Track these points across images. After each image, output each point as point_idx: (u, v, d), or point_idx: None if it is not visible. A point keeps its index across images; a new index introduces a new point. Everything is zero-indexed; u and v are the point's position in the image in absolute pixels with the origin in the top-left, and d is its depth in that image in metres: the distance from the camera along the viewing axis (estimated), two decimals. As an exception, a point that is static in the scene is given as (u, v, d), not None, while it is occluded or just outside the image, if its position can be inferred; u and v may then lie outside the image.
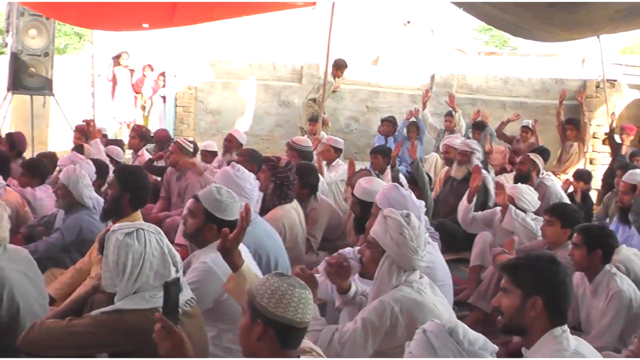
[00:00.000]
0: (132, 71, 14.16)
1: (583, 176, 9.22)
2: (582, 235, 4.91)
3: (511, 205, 6.69)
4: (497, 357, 2.68)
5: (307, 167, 7.18)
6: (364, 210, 5.65)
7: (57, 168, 7.29)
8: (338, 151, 9.56)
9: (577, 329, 4.95)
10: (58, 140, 12.64)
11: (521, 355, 4.71)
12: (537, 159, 8.48)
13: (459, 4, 10.41)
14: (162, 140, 10.39)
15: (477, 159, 8.71)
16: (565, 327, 3.17)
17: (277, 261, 5.31)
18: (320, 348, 3.29)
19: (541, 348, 3.11)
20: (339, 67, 12.46)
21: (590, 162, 12.67)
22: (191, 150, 8.50)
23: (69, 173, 5.95)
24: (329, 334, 3.78)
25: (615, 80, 13.38)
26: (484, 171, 8.30)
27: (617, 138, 11.52)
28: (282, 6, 9.81)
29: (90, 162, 6.89)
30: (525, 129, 11.61)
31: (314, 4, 9.17)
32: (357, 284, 4.23)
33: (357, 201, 5.97)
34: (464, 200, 7.38)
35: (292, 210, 6.23)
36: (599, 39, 11.86)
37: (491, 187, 8.34)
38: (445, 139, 9.60)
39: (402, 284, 3.86)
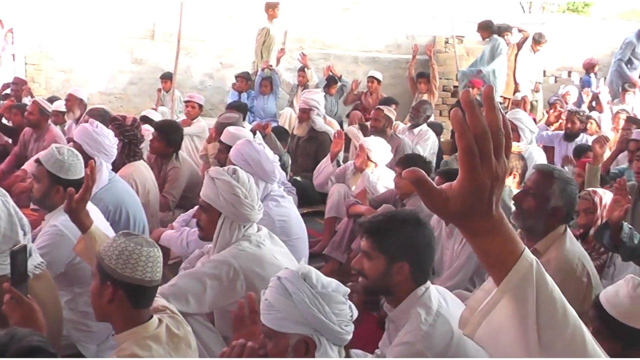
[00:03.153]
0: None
1: (435, 127, 9.48)
2: (443, 179, 4.93)
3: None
4: (350, 299, 2.78)
5: (172, 126, 7.11)
6: None
7: None
8: (201, 107, 9.55)
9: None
10: None
11: (377, 304, 4.91)
12: (391, 112, 8.48)
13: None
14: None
15: (317, 115, 8.62)
16: (428, 283, 3.20)
17: (136, 218, 5.27)
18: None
19: (407, 309, 3.13)
20: (273, 7, 12.33)
21: (440, 114, 13.08)
22: (49, 110, 8.25)
23: None
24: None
25: (463, 37, 13.80)
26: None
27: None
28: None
29: None
30: (371, 79, 11.80)
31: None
32: None
33: (224, 148, 6.00)
34: (327, 165, 7.35)
35: (142, 167, 6.17)
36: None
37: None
38: (304, 93, 9.44)
39: (240, 239, 3.86)
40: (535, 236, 3.95)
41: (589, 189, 4.90)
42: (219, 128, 6.99)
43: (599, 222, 4.63)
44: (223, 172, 3.97)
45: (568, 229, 3.99)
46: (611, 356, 2.93)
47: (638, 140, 6.97)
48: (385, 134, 8.06)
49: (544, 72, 13.88)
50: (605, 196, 4.77)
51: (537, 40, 12.90)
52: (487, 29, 12.27)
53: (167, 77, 11.70)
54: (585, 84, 13.01)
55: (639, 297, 2.95)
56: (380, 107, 8.54)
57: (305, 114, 8.63)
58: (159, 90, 12.13)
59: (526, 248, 1.26)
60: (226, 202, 3.84)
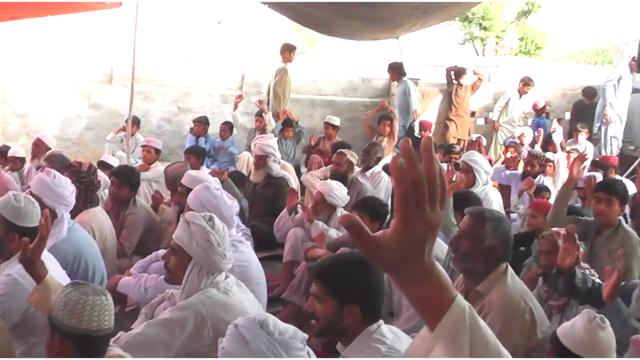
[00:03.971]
0: None
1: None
2: None
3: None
4: (309, 346, 2.79)
5: (129, 171, 7.09)
6: None
7: None
8: (158, 152, 9.54)
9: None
10: None
11: (333, 347, 4.90)
12: (353, 157, 8.56)
13: (264, 2, 10.63)
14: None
15: (273, 162, 8.61)
16: (380, 321, 3.21)
17: (95, 268, 5.20)
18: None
19: (359, 346, 3.14)
20: (290, 49, 12.43)
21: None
22: None
23: None
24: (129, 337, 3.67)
25: (418, 79, 13.98)
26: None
27: (417, 134, 12.15)
28: (88, 7, 9.54)
29: None
30: (327, 125, 11.87)
31: (120, 4, 8.99)
32: None
33: (184, 190, 5.99)
34: (285, 220, 7.30)
35: (99, 214, 6.13)
36: (398, 40, 12.51)
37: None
38: (257, 138, 9.52)
39: (208, 286, 3.86)
40: (476, 278, 4.03)
41: (553, 229, 4.94)
42: (168, 178, 7.15)
43: (561, 264, 4.68)
44: (199, 217, 3.98)
45: (509, 268, 4.08)
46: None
47: (591, 180, 7.07)
48: (347, 178, 8.13)
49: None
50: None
51: (527, 83, 13.22)
52: (396, 70, 12.50)
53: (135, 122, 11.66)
54: (536, 125, 13.21)
55: (593, 330, 3.05)
56: (343, 151, 8.60)
57: (261, 161, 8.63)
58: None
59: (459, 294, 1.29)
60: (199, 247, 3.84)
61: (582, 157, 6.45)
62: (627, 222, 7.00)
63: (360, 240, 1.25)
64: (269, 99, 12.48)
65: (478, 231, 4.02)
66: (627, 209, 7.14)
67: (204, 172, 6.95)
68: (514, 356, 3.86)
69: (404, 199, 1.22)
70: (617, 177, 7.74)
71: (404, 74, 12.49)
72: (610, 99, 12.55)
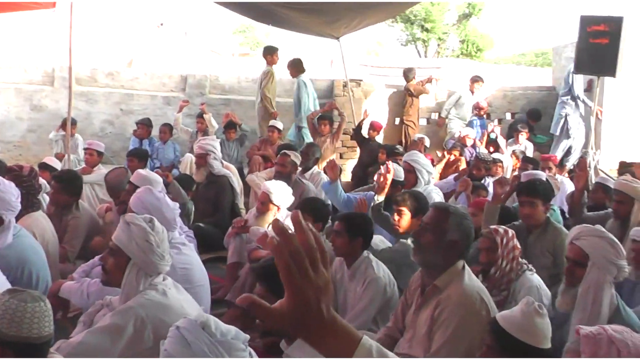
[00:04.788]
0: None
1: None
2: (344, 224, 5.14)
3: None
4: (252, 347, 2.83)
5: (71, 176, 7.03)
6: None
7: None
8: (100, 155, 9.47)
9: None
10: None
11: (277, 347, 4.94)
12: (297, 158, 8.63)
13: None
14: None
15: (214, 159, 8.69)
16: None
17: (39, 275, 5.12)
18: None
19: (303, 344, 3.17)
20: (272, 52, 12.54)
21: (341, 157, 13.28)
22: None
23: None
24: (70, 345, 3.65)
25: (361, 80, 14.08)
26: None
27: (364, 134, 12.26)
28: (21, 7, 9.39)
29: None
30: (271, 128, 11.87)
31: (54, 4, 8.87)
32: None
33: (133, 189, 6.02)
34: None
35: (41, 218, 6.06)
36: (339, 41, 12.64)
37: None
38: (199, 140, 9.44)
39: (147, 288, 3.86)
40: (435, 271, 4.12)
41: (491, 227, 5.06)
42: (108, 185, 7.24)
43: (499, 260, 4.80)
44: (139, 218, 3.99)
45: (466, 265, 4.18)
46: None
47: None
48: (290, 179, 8.18)
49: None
50: (507, 235, 4.94)
51: (476, 81, 13.58)
52: (295, 67, 12.59)
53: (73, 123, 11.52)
54: (478, 126, 13.40)
55: (530, 314, 3.17)
56: (287, 152, 8.64)
57: (202, 159, 8.69)
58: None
59: (365, 335, 1.42)
60: (138, 248, 3.85)
61: (504, 179, 6.67)
62: (565, 219, 7.21)
63: (262, 315, 1.39)
64: (259, 103, 12.57)
65: (441, 224, 4.10)
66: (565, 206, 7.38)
67: (153, 173, 6.96)
68: (471, 352, 3.98)
69: (286, 271, 1.35)
70: (541, 173, 7.92)
71: (303, 71, 12.51)
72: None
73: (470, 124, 13.26)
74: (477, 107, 13.48)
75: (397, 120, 13.83)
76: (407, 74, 13.56)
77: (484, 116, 13.65)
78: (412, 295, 4.38)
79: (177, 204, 5.63)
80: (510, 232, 4.92)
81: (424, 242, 4.13)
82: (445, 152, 12.04)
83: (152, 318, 3.71)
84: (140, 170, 6.56)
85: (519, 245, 4.91)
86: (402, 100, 13.58)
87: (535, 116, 13.87)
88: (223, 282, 7.02)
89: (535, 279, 4.84)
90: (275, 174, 8.40)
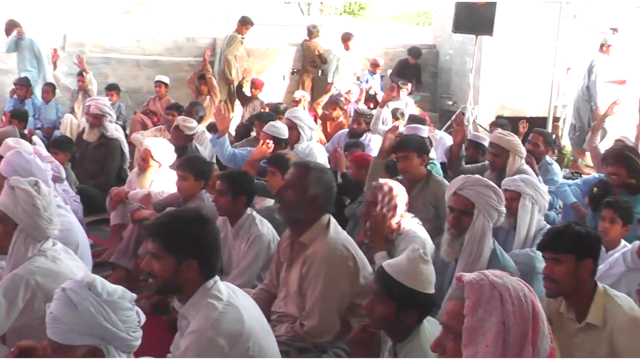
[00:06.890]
0: None
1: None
2: (227, 182, 5.17)
3: None
4: (138, 307, 2.80)
5: None
6: None
7: None
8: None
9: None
10: None
11: (167, 308, 4.97)
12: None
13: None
14: None
15: (109, 122, 8.60)
16: (217, 277, 3.25)
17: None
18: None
19: (196, 302, 3.17)
20: (245, 23, 12.65)
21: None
22: None
23: None
24: None
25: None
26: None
27: (247, 92, 12.34)
28: None
29: None
30: (158, 83, 11.73)
31: None
32: None
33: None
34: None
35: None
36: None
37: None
38: (91, 100, 9.01)
39: (36, 254, 3.77)
40: (300, 228, 4.25)
41: (381, 181, 5.11)
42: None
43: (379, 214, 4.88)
44: (24, 181, 3.86)
45: (332, 219, 4.30)
46: (385, 318, 3.26)
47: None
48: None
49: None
50: (396, 188, 4.98)
51: (347, 39, 13.47)
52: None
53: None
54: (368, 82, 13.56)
55: (415, 260, 3.30)
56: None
57: (97, 120, 8.50)
58: None
59: None
60: (24, 212, 3.74)
61: (394, 129, 6.77)
62: (446, 172, 7.42)
63: None
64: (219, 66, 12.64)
65: (302, 180, 4.20)
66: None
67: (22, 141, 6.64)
68: (343, 303, 4.10)
69: None
70: (424, 128, 8.15)
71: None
72: None
73: (364, 80, 13.43)
74: (373, 64, 13.73)
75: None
76: (312, 30, 13.67)
77: (377, 72, 13.80)
78: (284, 252, 4.49)
79: (49, 165, 5.51)
80: (396, 187, 4.98)
81: (286, 199, 4.24)
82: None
83: (42, 286, 3.63)
84: (8, 140, 6.29)
85: (403, 200, 5.00)
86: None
87: (415, 53, 14.30)
88: (107, 245, 6.94)
89: (420, 230, 4.96)
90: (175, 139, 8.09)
